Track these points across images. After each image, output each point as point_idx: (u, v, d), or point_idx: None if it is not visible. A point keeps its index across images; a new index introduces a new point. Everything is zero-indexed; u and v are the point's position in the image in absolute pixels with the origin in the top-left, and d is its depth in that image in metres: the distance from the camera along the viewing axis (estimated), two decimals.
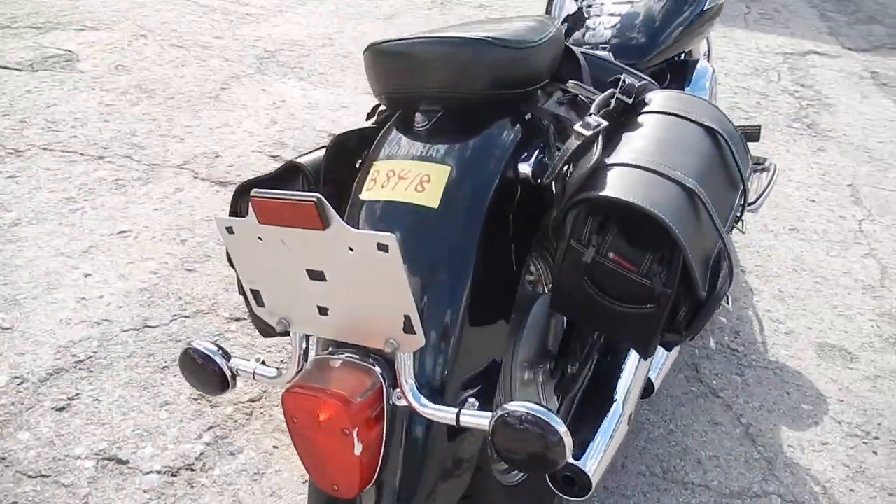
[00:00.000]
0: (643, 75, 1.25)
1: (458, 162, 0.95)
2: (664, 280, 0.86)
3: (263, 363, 0.99)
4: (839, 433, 1.67)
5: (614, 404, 1.06)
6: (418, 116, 1.01)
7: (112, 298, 1.84)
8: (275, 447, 1.49)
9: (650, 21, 1.63)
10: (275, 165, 2.48)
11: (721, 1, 1.81)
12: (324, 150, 1.16)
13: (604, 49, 1.64)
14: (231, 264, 1.11)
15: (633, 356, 1.15)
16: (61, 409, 1.52)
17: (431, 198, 0.93)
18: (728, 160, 1.04)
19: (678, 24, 1.65)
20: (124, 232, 2.10)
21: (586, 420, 1.05)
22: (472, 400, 0.85)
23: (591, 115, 0.98)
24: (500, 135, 1.00)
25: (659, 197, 0.87)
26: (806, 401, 1.75)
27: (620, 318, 0.91)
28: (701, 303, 0.89)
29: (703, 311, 0.89)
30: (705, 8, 1.72)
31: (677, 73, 1.78)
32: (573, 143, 0.95)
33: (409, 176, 0.95)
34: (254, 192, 0.79)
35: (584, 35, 1.67)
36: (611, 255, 0.87)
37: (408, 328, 0.80)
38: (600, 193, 0.88)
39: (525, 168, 0.99)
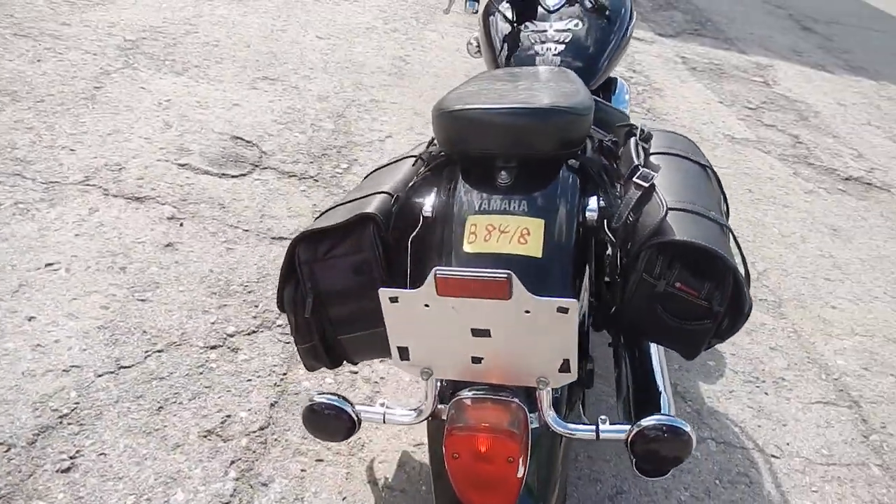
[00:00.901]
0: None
1: (547, 214, 1.11)
2: (720, 301, 1.10)
3: (387, 405, 1.09)
4: (738, 381, 2.09)
5: (664, 395, 1.29)
6: (502, 174, 1.14)
7: (71, 342, 1.72)
8: (303, 470, 1.55)
9: (593, 45, 1.85)
10: (186, 175, 2.39)
11: (634, 22, 2.08)
12: (382, 195, 1.24)
13: None
14: (312, 312, 1.17)
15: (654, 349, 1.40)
16: (67, 471, 1.44)
17: (535, 248, 1.08)
18: (718, 191, 1.31)
19: (613, 46, 1.89)
20: (52, 265, 1.93)
21: (649, 407, 1.27)
22: (602, 416, 1.03)
23: (639, 166, 1.18)
24: (570, 186, 1.17)
25: (711, 236, 1.11)
26: (711, 358, 2.16)
27: (679, 332, 1.14)
28: (742, 313, 1.14)
29: (742, 320, 1.15)
30: (627, 29, 1.98)
31: (605, 90, 2.03)
32: (635, 193, 1.15)
33: (510, 230, 1.09)
34: (438, 271, 0.90)
35: (534, 60, 1.85)
36: (677, 284, 1.09)
37: (564, 368, 0.96)
38: (675, 238, 1.09)
39: (591, 215, 1.17)
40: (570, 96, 1.18)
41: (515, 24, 1.95)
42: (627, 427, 1.00)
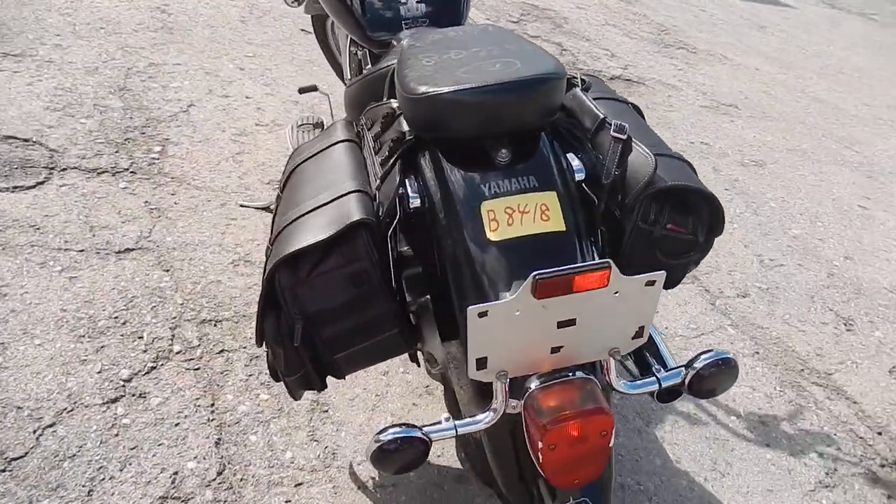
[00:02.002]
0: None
1: (556, 186, 1.09)
2: (703, 231, 1.20)
3: (452, 418, 1.03)
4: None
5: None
6: (502, 152, 1.08)
7: None
8: (287, 501, 1.41)
9: None
10: None
11: None
12: (358, 194, 1.12)
13: (423, 23, 1.76)
14: (301, 339, 1.06)
15: None
16: None
17: (558, 222, 1.06)
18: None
19: None
20: None
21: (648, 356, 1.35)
22: (655, 367, 1.10)
23: (606, 118, 1.21)
24: (556, 151, 1.16)
25: (685, 173, 1.19)
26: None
27: (668, 268, 1.23)
28: (717, 232, 1.25)
29: (716, 236, 1.25)
30: None
31: None
32: (615, 146, 1.18)
33: (529, 209, 1.06)
34: (538, 275, 0.85)
35: (399, 12, 1.75)
36: (669, 226, 1.17)
37: (637, 335, 0.99)
38: (671, 185, 1.14)
39: (580, 175, 1.18)
40: (543, 60, 1.14)
41: None
42: (682, 370, 1.07)
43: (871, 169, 3.43)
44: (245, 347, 1.70)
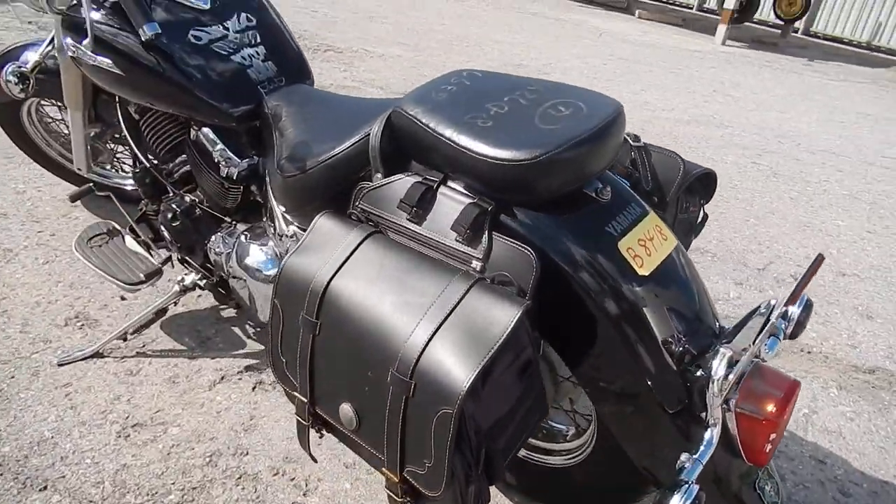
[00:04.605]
0: None
1: (646, 204, 1.14)
2: (703, 202, 1.38)
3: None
4: None
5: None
6: (605, 190, 1.06)
7: None
8: None
9: (277, 35, 1.63)
10: None
11: None
12: (482, 282, 1.00)
13: (280, 83, 1.56)
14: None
15: None
16: None
17: (671, 237, 1.12)
18: None
19: (284, 27, 1.69)
20: None
21: None
22: None
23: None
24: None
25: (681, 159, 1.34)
26: None
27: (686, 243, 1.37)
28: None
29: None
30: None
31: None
32: (641, 154, 1.27)
33: (651, 234, 1.08)
34: None
35: (249, 78, 1.51)
36: (691, 208, 1.32)
37: None
38: (700, 172, 1.27)
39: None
40: (595, 96, 1.11)
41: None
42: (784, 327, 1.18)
43: None
44: None
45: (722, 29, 7.14)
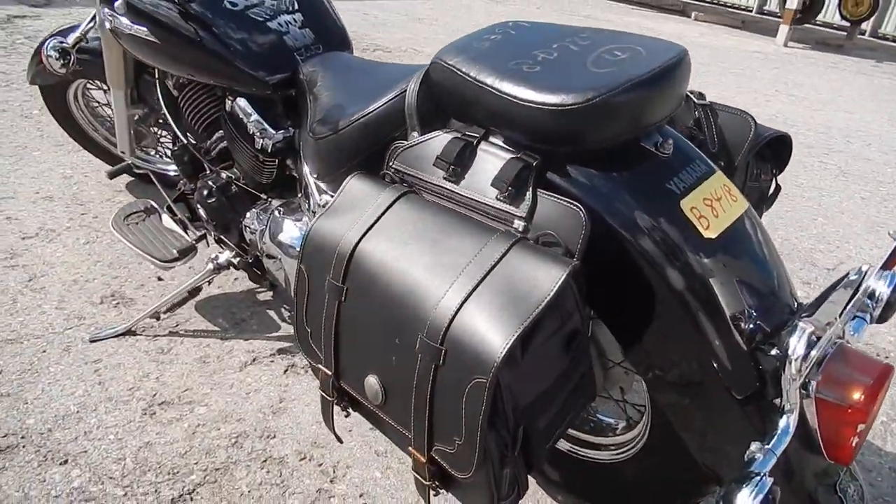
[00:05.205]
0: None
1: (712, 163, 1.01)
2: (776, 171, 1.25)
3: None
4: None
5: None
6: (667, 143, 0.96)
7: None
8: None
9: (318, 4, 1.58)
10: None
11: None
12: (524, 241, 0.90)
13: (317, 50, 1.50)
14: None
15: None
16: None
17: (741, 198, 0.99)
18: None
19: None
20: None
21: None
22: None
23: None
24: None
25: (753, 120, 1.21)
26: None
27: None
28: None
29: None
30: None
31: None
32: (706, 113, 1.15)
33: (719, 194, 0.96)
34: None
35: (286, 45, 1.46)
36: (763, 176, 1.19)
37: None
38: (772, 135, 1.15)
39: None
40: (657, 43, 1.01)
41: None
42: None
43: None
44: None
45: (784, 30, 6.86)
